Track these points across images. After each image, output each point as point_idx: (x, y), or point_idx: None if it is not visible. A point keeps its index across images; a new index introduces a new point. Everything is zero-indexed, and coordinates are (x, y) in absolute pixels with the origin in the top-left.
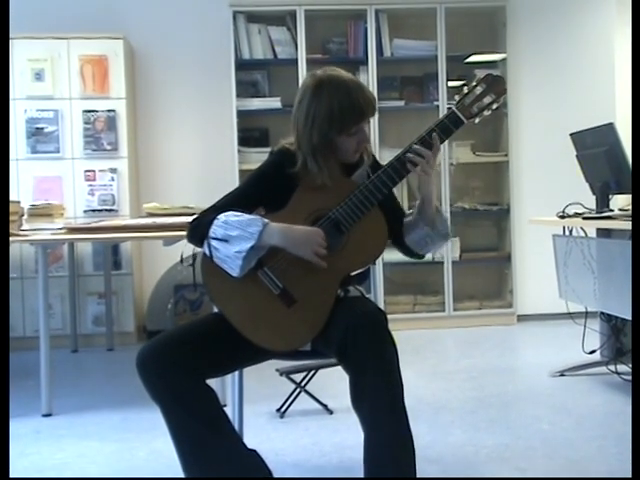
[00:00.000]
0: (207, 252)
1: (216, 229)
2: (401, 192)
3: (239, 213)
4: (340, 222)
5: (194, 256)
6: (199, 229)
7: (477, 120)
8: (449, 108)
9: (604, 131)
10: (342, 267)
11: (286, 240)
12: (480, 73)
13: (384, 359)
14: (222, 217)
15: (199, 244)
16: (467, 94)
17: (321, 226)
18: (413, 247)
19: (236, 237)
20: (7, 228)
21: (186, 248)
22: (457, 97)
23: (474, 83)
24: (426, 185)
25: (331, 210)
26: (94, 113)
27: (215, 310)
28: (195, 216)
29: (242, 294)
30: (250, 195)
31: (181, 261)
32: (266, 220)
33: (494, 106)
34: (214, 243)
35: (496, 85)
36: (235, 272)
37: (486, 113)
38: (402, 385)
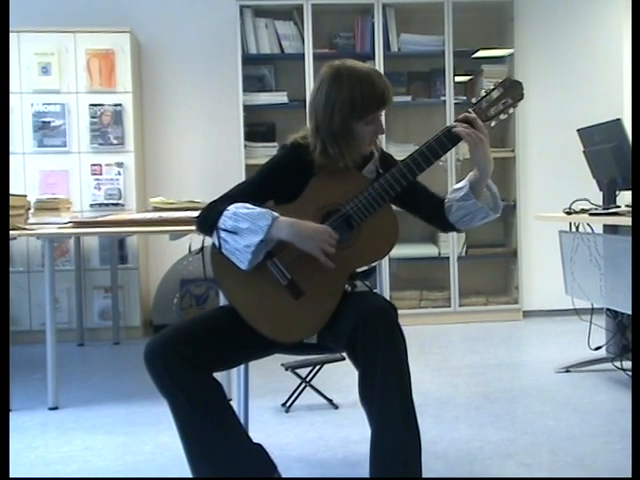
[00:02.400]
0: (216, 243)
1: (226, 220)
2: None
3: (250, 205)
4: (351, 218)
5: (202, 247)
6: (209, 219)
7: (493, 123)
8: (467, 111)
9: (612, 127)
10: (351, 262)
11: (295, 235)
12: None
13: (394, 354)
14: (232, 208)
15: (208, 234)
16: (484, 97)
17: (332, 221)
18: (456, 224)
19: (245, 230)
20: (7, 224)
21: (194, 240)
22: (474, 100)
23: (492, 87)
24: (480, 154)
25: (343, 205)
26: (101, 107)
27: (221, 304)
28: (206, 205)
29: (250, 284)
30: (262, 187)
31: (189, 251)
32: (276, 214)
33: (510, 110)
34: (223, 235)
35: (513, 90)
36: (243, 265)
37: (502, 117)
38: (410, 380)
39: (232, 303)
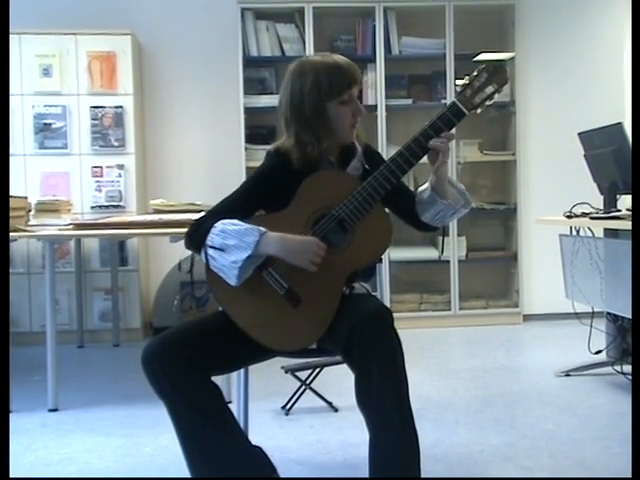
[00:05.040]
0: (204, 260)
1: (213, 237)
2: (407, 182)
3: (237, 222)
4: (344, 220)
5: (192, 259)
6: (197, 236)
7: (479, 111)
8: (452, 101)
9: (612, 131)
10: (347, 265)
11: (283, 250)
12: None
13: (390, 358)
14: (220, 225)
15: (196, 251)
16: (468, 85)
17: (325, 225)
18: (430, 222)
19: (233, 246)
20: (7, 225)
21: (184, 258)
22: (458, 88)
23: (475, 73)
24: (442, 168)
25: (334, 208)
26: (102, 109)
27: (221, 308)
28: (193, 222)
29: (248, 295)
30: (250, 198)
31: (179, 269)
32: (263, 229)
33: (495, 96)
34: (211, 252)
35: (497, 75)
36: (232, 281)
37: (487, 103)
38: (407, 383)
39: (230, 316)
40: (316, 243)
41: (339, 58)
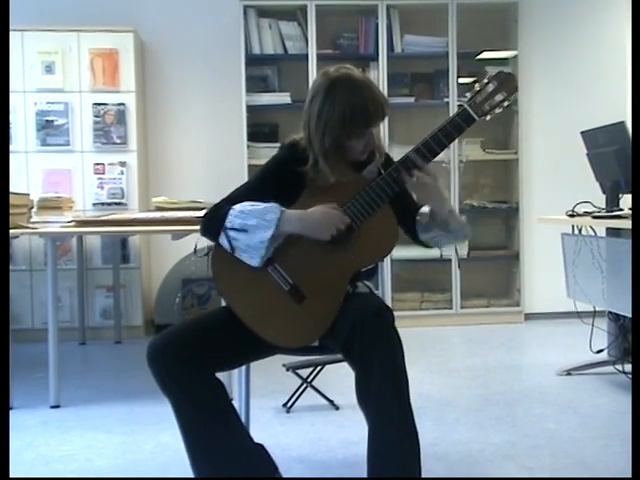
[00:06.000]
0: (225, 243)
1: (233, 219)
2: None
3: (254, 202)
4: (351, 219)
5: (209, 247)
6: (214, 221)
7: (488, 118)
8: (461, 105)
9: (615, 130)
10: (352, 264)
11: (304, 226)
12: (491, 70)
13: (390, 356)
14: (238, 207)
15: (215, 236)
16: (479, 91)
17: None
18: (428, 243)
19: (254, 226)
20: (7, 223)
21: (200, 240)
22: (468, 94)
23: (485, 80)
24: (427, 198)
25: (341, 207)
26: (104, 106)
27: (223, 304)
28: (207, 210)
29: (252, 290)
30: (260, 188)
31: (195, 251)
32: (282, 207)
33: (505, 104)
34: (232, 234)
35: (507, 83)
36: (255, 261)
37: (497, 111)
38: (407, 382)
39: (233, 309)
40: (336, 212)
41: (369, 92)
